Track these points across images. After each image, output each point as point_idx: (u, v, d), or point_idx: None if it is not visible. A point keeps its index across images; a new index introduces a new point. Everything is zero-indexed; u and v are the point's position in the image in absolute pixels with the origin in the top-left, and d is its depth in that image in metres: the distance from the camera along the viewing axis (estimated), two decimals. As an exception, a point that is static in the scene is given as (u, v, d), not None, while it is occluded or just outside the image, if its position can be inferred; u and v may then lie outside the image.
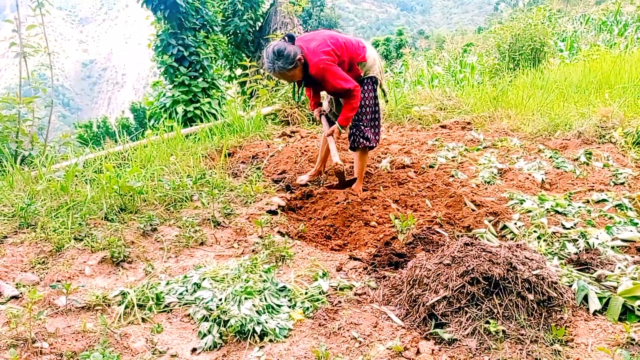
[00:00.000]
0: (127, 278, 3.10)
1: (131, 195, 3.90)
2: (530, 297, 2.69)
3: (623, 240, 3.62)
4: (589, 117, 5.70)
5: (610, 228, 3.74)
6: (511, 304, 2.67)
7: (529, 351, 2.54)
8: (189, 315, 2.78)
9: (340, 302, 2.90)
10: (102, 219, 3.69)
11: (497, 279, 2.67)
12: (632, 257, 3.48)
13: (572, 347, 2.61)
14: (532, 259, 2.85)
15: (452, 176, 4.63)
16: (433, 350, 2.53)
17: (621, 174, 4.61)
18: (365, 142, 4.31)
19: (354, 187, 4.38)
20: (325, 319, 2.74)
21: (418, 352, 2.51)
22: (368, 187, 4.46)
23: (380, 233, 3.76)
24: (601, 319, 2.88)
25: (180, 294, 2.90)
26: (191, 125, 6.93)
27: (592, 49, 10.82)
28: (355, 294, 2.97)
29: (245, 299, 2.75)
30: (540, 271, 2.78)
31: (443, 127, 6.03)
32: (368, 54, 4.29)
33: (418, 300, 2.73)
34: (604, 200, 4.23)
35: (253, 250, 3.48)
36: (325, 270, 3.19)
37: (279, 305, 2.80)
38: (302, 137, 5.67)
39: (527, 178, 4.57)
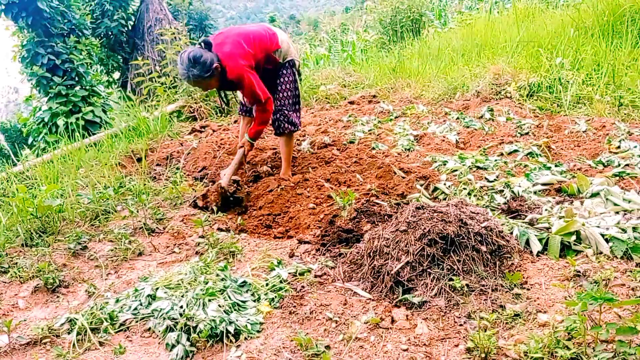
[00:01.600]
0: (68, 303, 2.85)
1: (48, 216, 3.58)
2: (484, 248, 2.81)
3: (543, 185, 3.89)
4: (483, 76, 6.03)
5: (529, 175, 3.99)
6: (468, 259, 2.77)
7: (493, 299, 2.66)
8: (149, 329, 2.61)
9: (303, 286, 2.86)
10: (22, 246, 3.36)
11: (452, 236, 2.76)
12: (554, 198, 3.75)
13: (528, 289, 2.77)
14: (478, 213, 2.97)
15: (373, 148, 4.72)
16: (407, 315, 2.57)
17: (524, 124, 4.93)
18: (290, 127, 4.26)
19: (282, 172, 4.33)
20: (294, 306, 2.70)
21: (393, 321, 2.54)
22: (296, 171, 4.43)
23: (320, 213, 3.74)
24: (544, 258, 3.07)
25: (135, 309, 2.72)
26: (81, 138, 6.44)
27: (465, 15, 11.44)
28: (316, 276, 2.95)
29: (209, 300, 2.63)
30: (487, 223, 2.91)
31: (351, 103, 6.12)
32: (281, 39, 4.23)
33: (382, 270, 2.75)
34: (516, 150, 4.51)
35: (197, 252, 3.34)
36: (279, 258, 3.13)
37: (243, 302, 2.71)
38: (213, 131, 5.50)
39: (443, 140, 4.77)
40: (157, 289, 2.81)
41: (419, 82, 6.55)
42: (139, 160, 4.95)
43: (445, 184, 3.95)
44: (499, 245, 2.89)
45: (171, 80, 6.52)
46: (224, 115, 6.00)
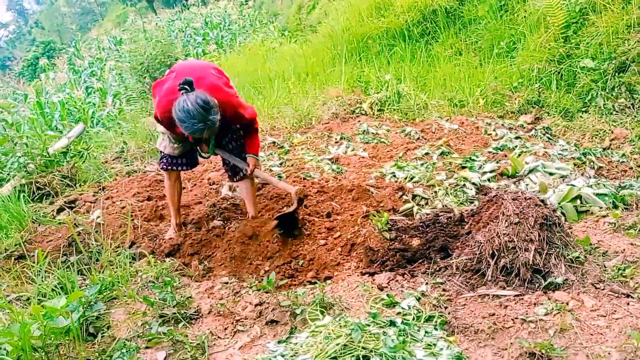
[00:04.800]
0: None
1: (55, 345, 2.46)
2: (558, 222, 3.09)
3: (490, 172, 4.36)
4: (327, 101, 6.34)
5: (472, 168, 4.44)
6: (558, 233, 3.00)
7: (596, 263, 2.96)
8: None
9: (446, 307, 2.68)
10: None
11: (548, 216, 2.96)
12: (505, 181, 4.27)
13: (597, 247, 3.15)
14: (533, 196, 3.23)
15: (304, 178, 4.53)
16: (569, 294, 2.66)
17: (410, 132, 5.41)
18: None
19: (253, 215, 3.83)
20: (471, 326, 2.52)
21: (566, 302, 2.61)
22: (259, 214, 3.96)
23: (335, 247, 3.49)
24: (568, 224, 3.52)
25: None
26: None
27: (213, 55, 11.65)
28: (440, 297, 2.77)
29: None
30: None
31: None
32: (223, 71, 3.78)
33: (514, 264, 2.78)
34: (427, 153, 4.92)
35: (270, 321, 2.76)
36: (379, 295, 2.84)
37: (434, 344, 2.40)
38: (92, 203, 4.41)
39: (360, 158, 4.88)
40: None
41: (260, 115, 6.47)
42: (22, 257, 3.73)
43: (419, 190, 4.09)
44: (557, 217, 3.20)
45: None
46: (81, 183, 4.84)
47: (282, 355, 2.47)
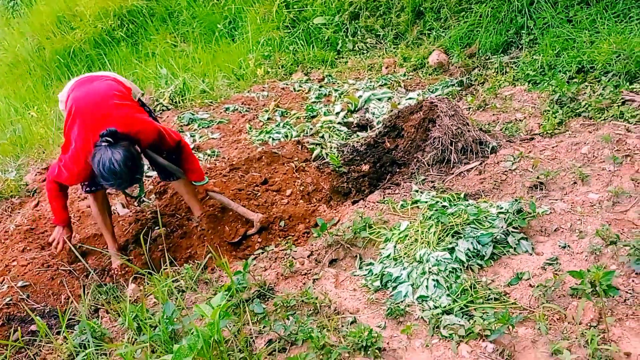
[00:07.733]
0: None
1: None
2: (456, 113, 4.03)
3: (342, 112, 5.07)
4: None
5: (326, 113, 5.08)
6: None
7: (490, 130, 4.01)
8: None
9: (449, 189, 3.33)
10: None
11: (459, 106, 3.85)
12: (356, 114, 5.06)
13: (479, 122, 4.21)
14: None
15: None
16: (508, 150, 3.60)
17: (234, 108, 5.66)
18: None
19: (198, 210, 3.69)
20: (486, 189, 3.24)
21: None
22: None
23: (297, 202, 3.77)
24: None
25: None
26: None
27: None
28: (435, 185, 3.40)
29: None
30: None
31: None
32: (121, 79, 3.46)
33: (467, 144, 3.59)
34: (269, 118, 5.32)
35: (333, 261, 2.99)
36: (398, 202, 3.32)
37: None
38: None
39: (220, 139, 5.00)
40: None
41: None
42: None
43: (311, 139, 4.55)
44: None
45: None
46: None
47: (388, 267, 2.78)
